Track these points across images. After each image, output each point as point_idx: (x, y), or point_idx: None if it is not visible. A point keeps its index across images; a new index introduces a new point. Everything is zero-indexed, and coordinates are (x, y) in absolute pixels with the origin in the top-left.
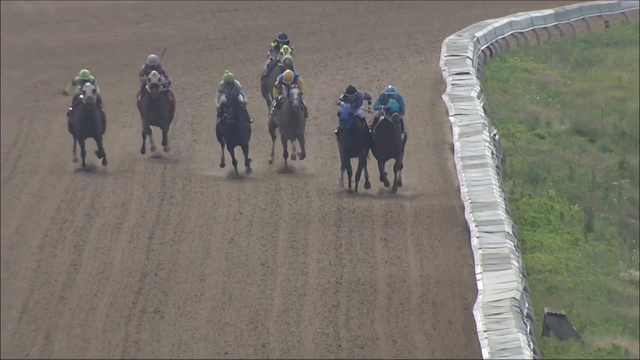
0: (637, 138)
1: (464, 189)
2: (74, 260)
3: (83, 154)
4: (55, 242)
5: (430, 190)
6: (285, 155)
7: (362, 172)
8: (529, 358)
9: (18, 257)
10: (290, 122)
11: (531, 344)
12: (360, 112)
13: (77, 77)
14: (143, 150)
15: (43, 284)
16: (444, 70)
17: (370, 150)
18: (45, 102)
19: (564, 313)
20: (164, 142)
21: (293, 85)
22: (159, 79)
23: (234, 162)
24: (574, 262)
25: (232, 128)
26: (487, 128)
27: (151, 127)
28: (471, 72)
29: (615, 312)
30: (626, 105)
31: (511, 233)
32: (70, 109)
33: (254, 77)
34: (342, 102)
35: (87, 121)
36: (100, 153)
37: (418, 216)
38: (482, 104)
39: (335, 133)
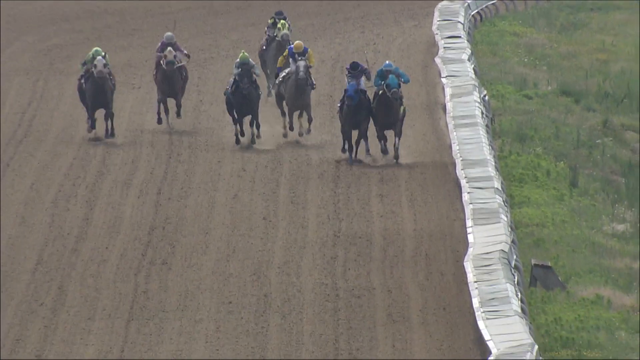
0: (619, 98)
1: (455, 147)
2: (86, 214)
3: (94, 123)
4: (68, 198)
5: (423, 148)
6: (292, 128)
7: (362, 141)
8: (517, 307)
9: (33, 211)
10: (296, 94)
11: (519, 293)
12: (362, 85)
13: (88, 55)
14: (159, 121)
15: (57, 237)
16: (437, 34)
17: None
18: (59, 64)
19: (550, 265)
20: (178, 111)
21: (300, 58)
22: (174, 56)
23: (242, 133)
24: (559, 216)
25: (246, 98)
26: (477, 89)
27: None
28: (462, 36)
29: (598, 263)
30: (609, 67)
31: (500, 189)
32: (81, 78)
33: (256, 41)
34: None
35: (98, 92)
36: (109, 128)
37: (412, 173)
38: (472, 66)
39: (339, 107)
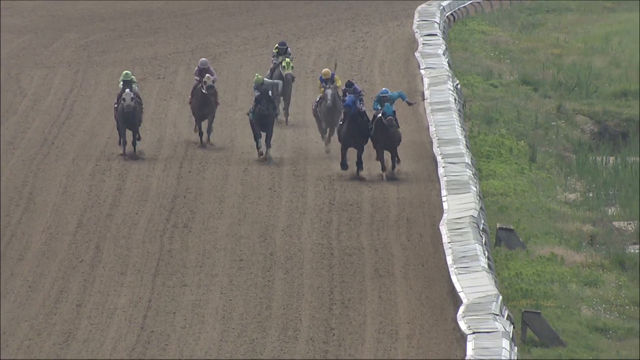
0: (571, 87)
1: (432, 128)
2: (119, 185)
3: (125, 143)
4: (104, 171)
5: (405, 129)
6: (328, 140)
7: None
8: (484, 264)
9: (74, 182)
10: (329, 116)
11: (486, 252)
12: (361, 106)
13: (120, 78)
14: (200, 139)
15: (94, 204)
16: (416, 32)
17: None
18: (96, 57)
19: (512, 228)
20: (209, 129)
21: (328, 86)
22: (213, 81)
23: (259, 147)
24: (520, 187)
25: (264, 117)
26: (450, 79)
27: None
28: (438, 34)
29: (553, 227)
30: (562, 60)
31: (470, 163)
32: (115, 105)
33: (263, 38)
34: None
35: (127, 120)
36: (134, 142)
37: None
38: (447, 59)
39: (340, 123)
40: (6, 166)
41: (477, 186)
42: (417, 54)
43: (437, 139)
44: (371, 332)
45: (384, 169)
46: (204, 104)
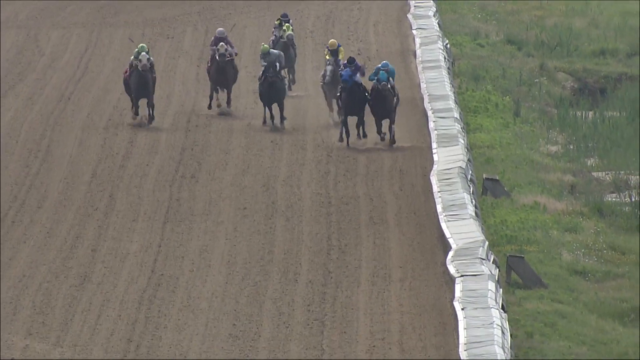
0: (552, 46)
1: (423, 85)
2: (130, 138)
3: (137, 109)
4: (117, 125)
5: (398, 86)
6: (331, 108)
7: (360, 127)
8: (472, 212)
9: (89, 135)
10: (329, 90)
11: (473, 201)
12: (358, 78)
13: (135, 50)
14: (210, 107)
15: (108, 156)
16: None
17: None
18: (109, 19)
19: (497, 178)
20: (228, 101)
21: (332, 60)
22: (226, 49)
23: (272, 117)
24: (505, 139)
25: (272, 86)
26: (441, 39)
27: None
28: None
29: (536, 177)
30: (545, 22)
31: (459, 118)
32: (126, 72)
33: (265, 0)
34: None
35: (141, 84)
36: (150, 115)
37: None
38: (437, 21)
39: (338, 96)
40: (25, 120)
41: (465, 139)
42: (409, 16)
43: (428, 95)
44: (366, 276)
45: (382, 137)
46: (220, 73)
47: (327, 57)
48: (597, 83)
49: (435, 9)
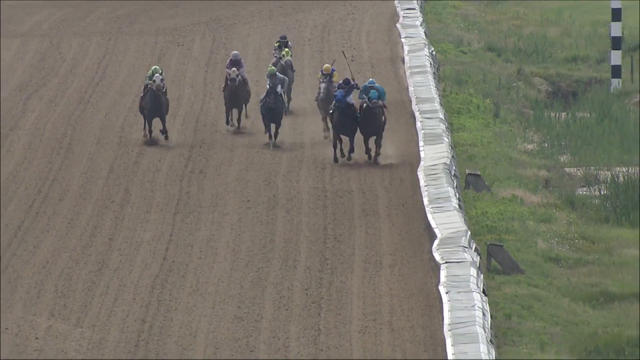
0: (529, 53)
1: (411, 89)
2: (144, 136)
3: (151, 130)
4: (132, 124)
5: (388, 89)
6: (327, 127)
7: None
8: (455, 204)
9: (106, 134)
10: (323, 106)
11: (457, 194)
12: (351, 99)
13: (149, 72)
14: (227, 122)
15: (123, 153)
16: (398, 6)
17: (358, 130)
18: (125, 28)
19: (479, 173)
20: (239, 119)
21: (325, 80)
22: (237, 75)
23: (271, 136)
24: (486, 138)
25: (272, 110)
26: (427, 46)
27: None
28: (416, 8)
29: (514, 172)
30: (522, 31)
31: (443, 118)
32: (142, 95)
33: (267, 11)
34: (339, 89)
35: (155, 105)
36: (164, 130)
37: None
38: (423, 29)
39: (330, 113)
40: (49, 120)
41: (449, 138)
42: (398, 25)
43: (415, 98)
44: (359, 262)
45: (369, 155)
46: (232, 95)
47: (320, 77)
48: (569, 87)
49: (422, 19)
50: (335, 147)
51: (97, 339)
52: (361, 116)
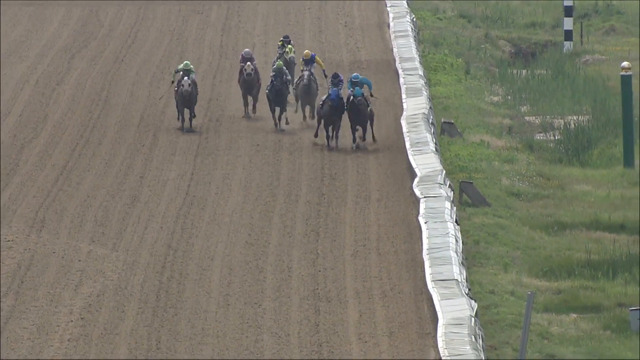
0: (495, 19)
1: (395, 50)
2: (169, 91)
3: (183, 120)
4: (159, 80)
5: (376, 50)
6: (304, 118)
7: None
8: (433, 148)
9: (137, 88)
10: (304, 94)
11: (434, 139)
12: (340, 93)
13: (180, 66)
14: (245, 113)
15: (152, 104)
16: None
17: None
18: (148, 14)
19: (453, 121)
20: (254, 106)
21: (307, 68)
22: (252, 69)
23: (277, 120)
24: (458, 92)
25: (278, 93)
26: (409, 14)
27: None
28: None
29: (482, 120)
30: (489, 1)
31: (423, 75)
32: (176, 89)
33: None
34: (331, 86)
35: (185, 102)
36: (192, 117)
37: (368, 66)
38: (406, 0)
39: (320, 104)
40: (89, 77)
41: (428, 91)
42: None
43: (399, 57)
44: (351, 197)
45: (354, 141)
46: (248, 86)
47: (301, 67)
48: (529, 48)
49: None
50: (328, 138)
51: (130, 261)
52: (347, 108)
